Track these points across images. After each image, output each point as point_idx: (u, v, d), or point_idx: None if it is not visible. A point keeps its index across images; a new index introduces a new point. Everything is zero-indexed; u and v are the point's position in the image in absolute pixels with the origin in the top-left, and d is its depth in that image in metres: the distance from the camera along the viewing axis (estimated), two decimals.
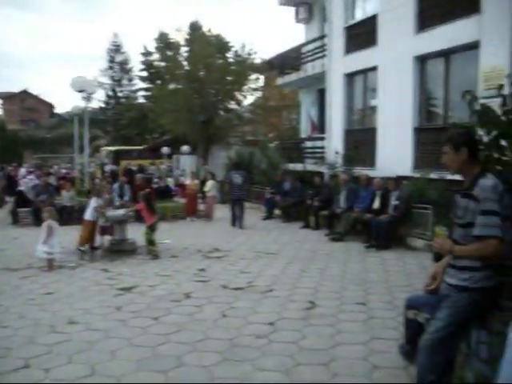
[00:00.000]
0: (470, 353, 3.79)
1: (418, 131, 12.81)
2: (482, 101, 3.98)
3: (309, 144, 19.04)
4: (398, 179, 11.47)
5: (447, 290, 3.29)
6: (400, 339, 4.79)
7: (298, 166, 18.01)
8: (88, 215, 10.18)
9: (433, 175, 10.62)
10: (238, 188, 14.28)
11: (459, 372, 3.87)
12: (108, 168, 26.93)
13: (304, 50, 19.54)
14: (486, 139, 3.82)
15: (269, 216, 15.91)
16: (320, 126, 19.25)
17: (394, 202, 10.83)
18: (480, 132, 3.81)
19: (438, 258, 3.96)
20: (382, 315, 6.04)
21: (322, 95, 18.73)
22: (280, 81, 21.60)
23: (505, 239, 3.09)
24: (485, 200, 3.06)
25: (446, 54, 12.22)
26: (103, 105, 50.10)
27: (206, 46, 27.02)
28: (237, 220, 14.29)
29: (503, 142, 3.81)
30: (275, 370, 4.46)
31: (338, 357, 4.77)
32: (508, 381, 2.58)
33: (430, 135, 12.13)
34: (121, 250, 10.29)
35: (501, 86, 3.80)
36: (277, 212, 15.94)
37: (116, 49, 50.88)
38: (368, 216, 11.09)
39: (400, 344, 4.74)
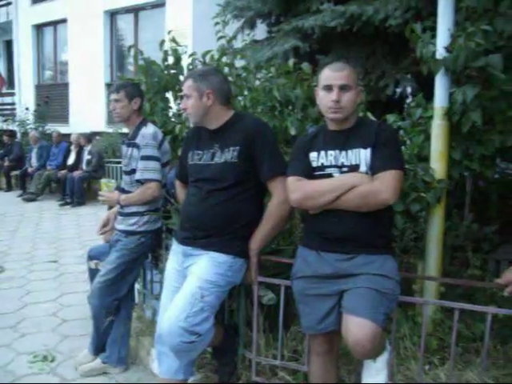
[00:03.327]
0: (147, 292, 4.08)
1: (110, 86, 12.77)
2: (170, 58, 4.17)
3: None
4: (92, 134, 11.42)
5: (117, 235, 3.45)
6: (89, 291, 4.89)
7: None
8: None
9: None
10: None
11: (139, 311, 4.14)
12: None
13: None
14: (151, 92, 4.05)
15: None
16: (9, 81, 17.90)
17: (86, 157, 10.83)
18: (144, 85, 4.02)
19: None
20: (73, 270, 6.05)
21: (9, 47, 17.38)
22: None
23: (162, 182, 3.37)
24: (145, 146, 3.25)
25: (135, 11, 12.40)
26: None
27: None
28: None
29: (168, 94, 4.09)
30: None
31: (26, 317, 4.65)
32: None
33: None
34: None
35: (162, 42, 4.05)
36: None
37: None
38: (62, 173, 10.90)
39: (88, 295, 4.85)
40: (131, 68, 12.92)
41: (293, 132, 3.32)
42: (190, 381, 3.07)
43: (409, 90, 5.78)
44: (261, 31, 7.19)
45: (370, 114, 3.63)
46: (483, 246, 4.45)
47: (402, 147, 3.50)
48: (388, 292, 2.33)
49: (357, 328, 2.22)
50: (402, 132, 3.68)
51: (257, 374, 3.06)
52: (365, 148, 2.40)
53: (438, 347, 3.25)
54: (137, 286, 4.10)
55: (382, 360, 2.54)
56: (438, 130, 3.30)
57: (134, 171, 3.33)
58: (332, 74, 2.44)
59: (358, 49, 5.16)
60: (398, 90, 6.31)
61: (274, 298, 3.06)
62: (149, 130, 3.33)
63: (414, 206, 3.25)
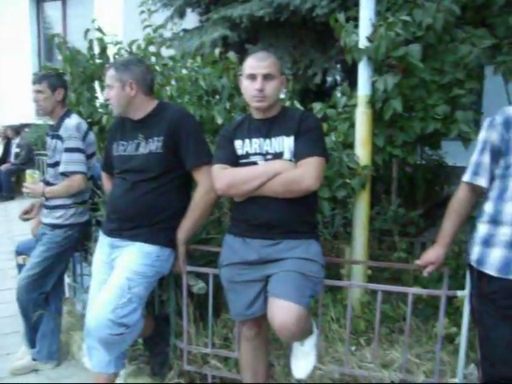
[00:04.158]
0: (77, 286, 4.02)
1: None
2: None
3: None
4: (21, 126, 11.07)
5: (43, 229, 3.38)
6: None
7: None
8: None
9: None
10: None
11: (70, 306, 4.07)
12: None
13: None
14: (77, 82, 3.96)
15: None
16: None
17: (15, 150, 10.50)
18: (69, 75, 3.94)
19: None
20: (2, 266, 5.87)
21: None
22: None
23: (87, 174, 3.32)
24: (68, 138, 3.20)
25: None
26: None
27: None
28: None
29: (94, 84, 4.02)
30: None
31: None
32: None
33: None
34: None
35: (86, 31, 3.97)
36: None
37: None
38: None
39: None
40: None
41: (219, 121, 3.33)
42: (122, 373, 3.06)
43: (338, 78, 5.90)
44: (192, 20, 7.13)
45: (296, 103, 3.69)
46: (409, 229, 4.62)
47: (332, 134, 3.59)
48: (312, 275, 2.39)
49: (282, 311, 2.27)
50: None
51: (188, 363, 3.07)
52: (288, 136, 2.44)
53: (367, 328, 3.36)
54: (67, 280, 4.03)
55: (310, 343, 2.61)
56: (361, 117, 3.38)
57: (58, 164, 3.27)
58: (255, 64, 2.46)
59: (287, 38, 5.22)
60: (330, 79, 6.44)
61: (205, 287, 3.07)
62: (72, 121, 3.27)
63: (340, 192, 3.33)
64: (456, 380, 2.77)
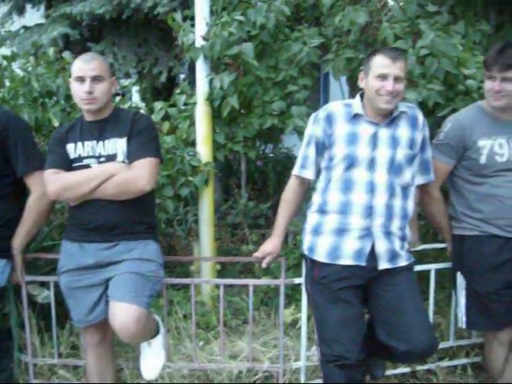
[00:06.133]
0: None
1: None
2: None
3: None
4: None
5: None
6: None
7: None
8: None
9: None
10: None
11: None
12: None
13: None
14: None
15: None
16: None
17: None
18: None
19: None
20: None
21: None
22: None
23: None
24: None
25: None
26: None
27: None
28: None
29: None
30: None
31: None
32: None
33: None
34: None
35: None
36: None
37: None
38: None
39: None
40: None
41: (56, 123, 3.21)
42: None
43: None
44: (35, 17, 6.82)
45: (138, 102, 3.67)
46: (260, 221, 4.77)
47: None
48: (151, 275, 2.41)
49: (121, 312, 2.27)
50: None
51: (35, 377, 2.96)
52: (121, 138, 2.44)
53: (219, 322, 3.43)
54: None
55: (158, 343, 2.63)
56: (201, 115, 3.45)
57: None
58: (83, 66, 2.42)
59: (130, 36, 5.16)
60: (182, 76, 6.45)
61: (50, 296, 2.97)
62: None
63: (183, 190, 3.37)
64: (300, 363, 2.92)
